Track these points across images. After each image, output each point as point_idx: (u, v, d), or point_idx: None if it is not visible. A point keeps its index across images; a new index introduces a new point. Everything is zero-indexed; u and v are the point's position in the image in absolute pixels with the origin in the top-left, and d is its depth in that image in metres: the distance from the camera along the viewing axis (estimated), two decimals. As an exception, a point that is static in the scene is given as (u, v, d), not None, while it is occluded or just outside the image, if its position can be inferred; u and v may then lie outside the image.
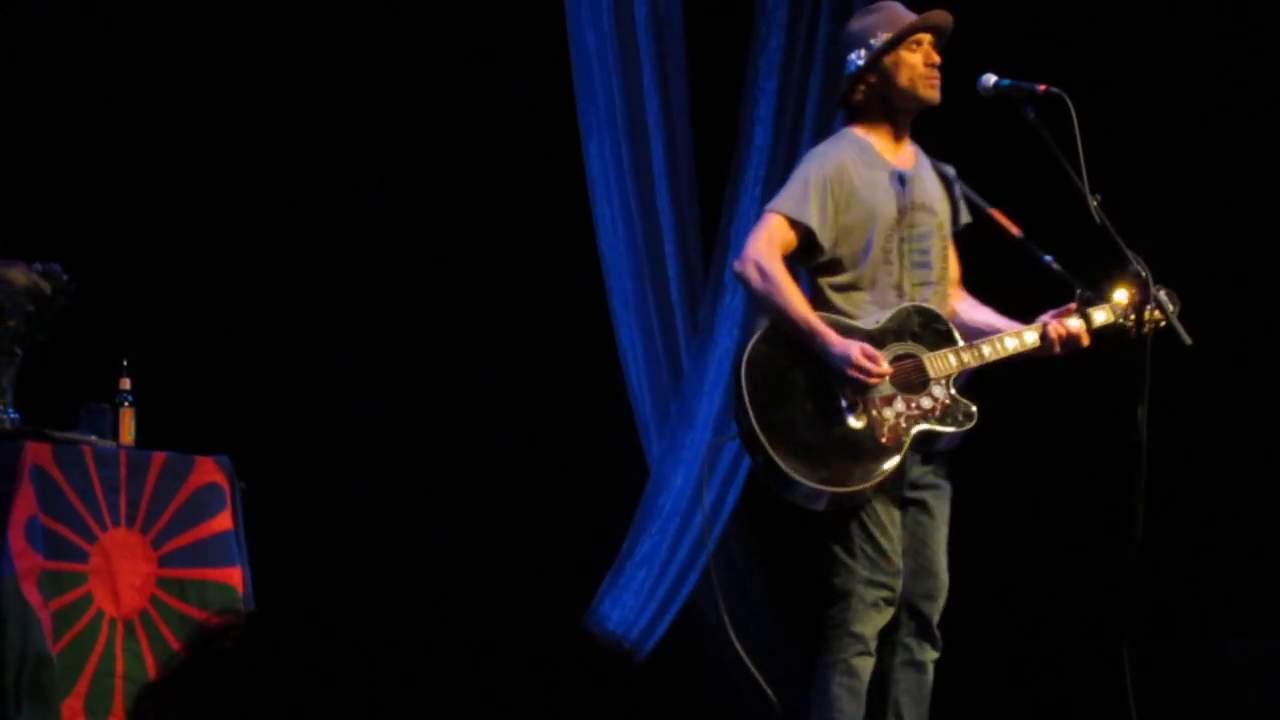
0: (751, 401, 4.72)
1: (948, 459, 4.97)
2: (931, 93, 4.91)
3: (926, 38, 4.92)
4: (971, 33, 5.09)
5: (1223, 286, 6.79)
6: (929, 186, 5.00)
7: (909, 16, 4.94)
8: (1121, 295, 4.94)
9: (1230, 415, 7.00)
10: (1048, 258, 4.99)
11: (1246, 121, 7.01)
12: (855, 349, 4.73)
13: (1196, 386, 6.53)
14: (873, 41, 4.90)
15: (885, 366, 4.76)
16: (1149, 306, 4.88)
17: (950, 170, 5.07)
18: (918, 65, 4.90)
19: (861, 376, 4.73)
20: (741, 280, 4.86)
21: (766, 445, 4.70)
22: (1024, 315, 5.03)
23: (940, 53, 4.94)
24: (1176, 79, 7.02)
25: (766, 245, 4.80)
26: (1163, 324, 4.90)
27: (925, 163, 5.03)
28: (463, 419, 7.09)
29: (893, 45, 4.88)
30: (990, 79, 4.97)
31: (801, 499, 4.77)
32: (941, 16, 4.96)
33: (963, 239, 5.11)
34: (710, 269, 6.93)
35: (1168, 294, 4.92)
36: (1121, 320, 4.94)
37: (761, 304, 4.83)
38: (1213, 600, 6.86)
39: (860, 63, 4.90)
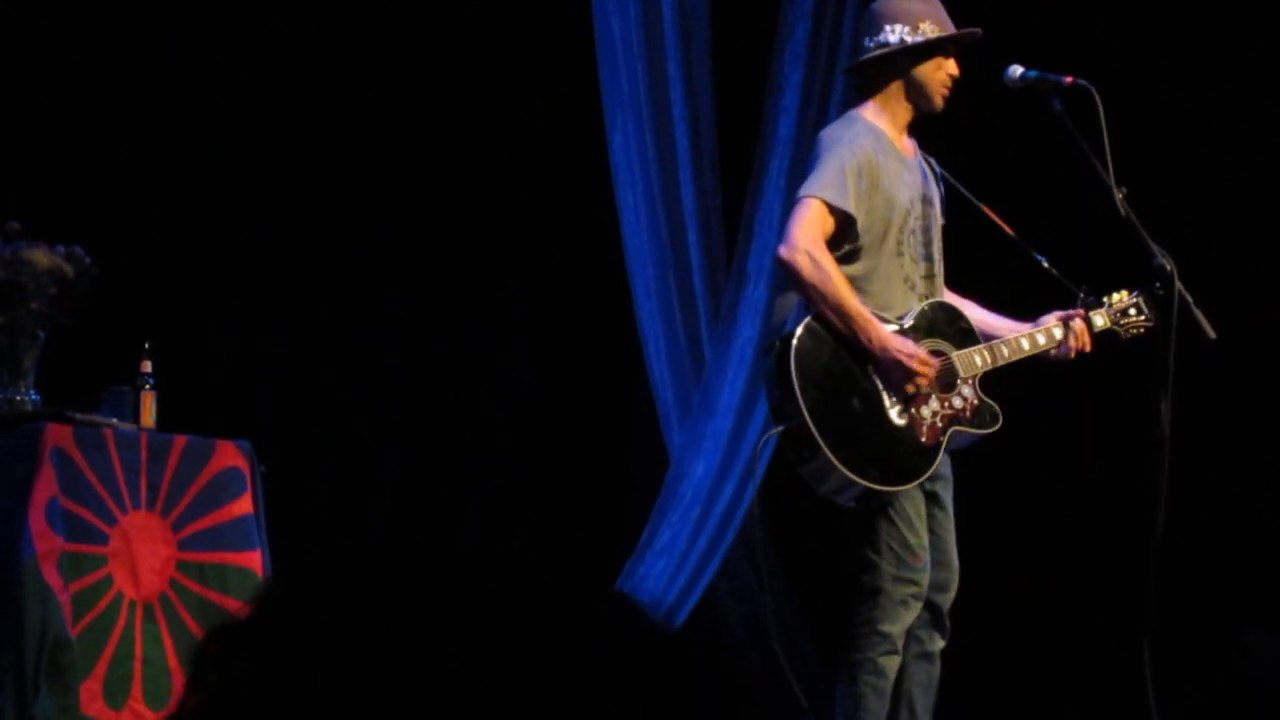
0: (803, 395, 4.62)
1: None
2: (941, 103, 4.88)
3: (954, 49, 4.89)
4: (993, 24, 5.06)
5: (1248, 279, 6.76)
6: (929, 178, 4.97)
7: (948, 20, 4.88)
8: (1114, 297, 4.99)
9: (1252, 409, 6.97)
10: (1040, 257, 4.98)
11: (1272, 113, 6.97)
12: (917, 348, 4.70)
13: (1219, 381, 6.51)
14: (923, 28, 4.83)
15: (933, 367, 4.73)
16: (1134, 311, 4.94)
17: (934, 162, 5.04)
18: (943, 71, 4.86)
19: (928, 372, 4.68)
20: (789, 267, 4.68)
21: (820, 441, 4.61)
22: (1006, 312, 5.03)
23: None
24: (1202, 71, 6.99)
25: (813, 232, 4.67)
26: (1142, 331, 4.98)
27: (920, 154, 4.99)
28: (484, 406, 7.09)
29: (937, 45, 4.82)
30: (1017, 70, 4.92)
31: (838, 494, 4.72)
32: (977, 34, 4.90)
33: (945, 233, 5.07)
34: (733, 259, 6.91)
35: (1147, 299, 4.94)
36: (1114, 325, 4.98)
37: (810, 292, 4.67)
38: (1233, 594, 6.84)
39: (905, 39, 4.80)
